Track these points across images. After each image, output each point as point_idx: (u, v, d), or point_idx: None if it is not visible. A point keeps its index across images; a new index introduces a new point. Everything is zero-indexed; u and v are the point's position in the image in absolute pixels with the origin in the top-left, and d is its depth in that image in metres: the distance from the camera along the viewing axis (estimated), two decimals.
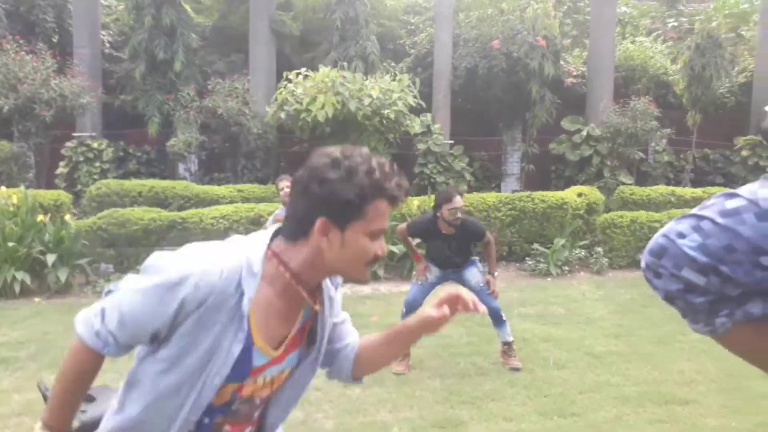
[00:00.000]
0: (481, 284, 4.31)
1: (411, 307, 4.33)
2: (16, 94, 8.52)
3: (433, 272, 4.45)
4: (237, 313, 1.18)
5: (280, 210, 5.35)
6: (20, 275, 6.26)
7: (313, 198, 1.19)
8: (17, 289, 6.22)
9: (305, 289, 1.25)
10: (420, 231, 4.46)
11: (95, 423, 1.36)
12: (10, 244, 6.26)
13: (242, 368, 1.23)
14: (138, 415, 1.25)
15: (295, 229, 1.23)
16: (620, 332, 5.27)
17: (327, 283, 1.36)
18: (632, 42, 13.06)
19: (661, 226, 5.63)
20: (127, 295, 1.21)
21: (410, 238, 4.54)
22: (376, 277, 7.25)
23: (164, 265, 1.19)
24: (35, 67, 8.72)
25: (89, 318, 1.25)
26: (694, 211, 0.93)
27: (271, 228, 1.32)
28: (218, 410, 1.28)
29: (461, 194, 4.37)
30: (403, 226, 4.54)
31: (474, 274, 4.38)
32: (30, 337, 5.00)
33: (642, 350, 4.81)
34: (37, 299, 6.25)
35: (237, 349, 1.19)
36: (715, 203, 0.91)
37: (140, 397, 1.25)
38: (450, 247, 4.31)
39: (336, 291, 1.42)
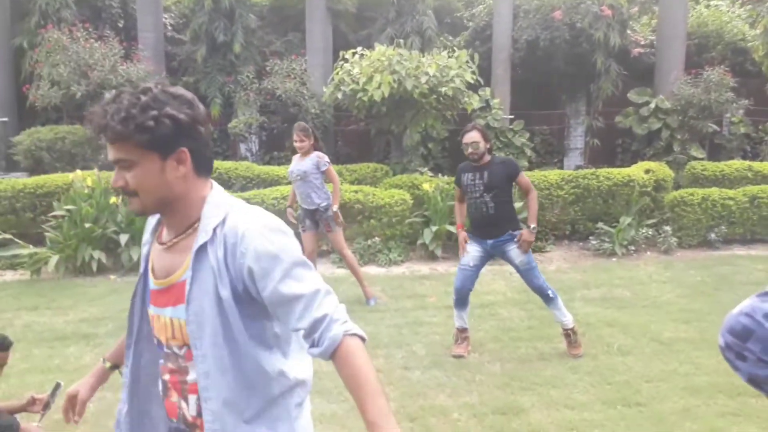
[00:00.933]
0: (526, 264, 4.16)
1: (461, 294, 4.27)
2: (87, 80, 8.90)
3: (473, 250, 4.22)
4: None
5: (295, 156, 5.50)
6: (96, 254, 6.61)
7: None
8: (94, 267, 6.58)
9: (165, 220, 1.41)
10: (459, 172, 4.35)
11: None
12: (87, 225, 6.61)
13: (147, 291, 1.43)
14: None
15: None
16: (690, 317, 5.06)
17: (198, 236, 1.30)
18: (707, 6, 12.24)
19: (736, 204, 5.39)
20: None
21: (462, 204, 4.43)
22: (433, 257, 7.24)
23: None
24: (104, 54, 9.06)
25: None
26: None
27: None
28: (158, 349, 1.42)
29: (478, 129, 4.20)
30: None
31: (516, 253, 4.15)
32: (108, 314, 5.29)
33: (713, 337, 4.55)
34: (112, 277, 6.60)
35: (145, 266, 1.45)
36: None
37: None
38: (482, 178, 4.11)
39: (228, 253, 1.26)
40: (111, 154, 1.29)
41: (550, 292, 4.19)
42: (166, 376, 1.40)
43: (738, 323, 0.88)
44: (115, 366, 1.66)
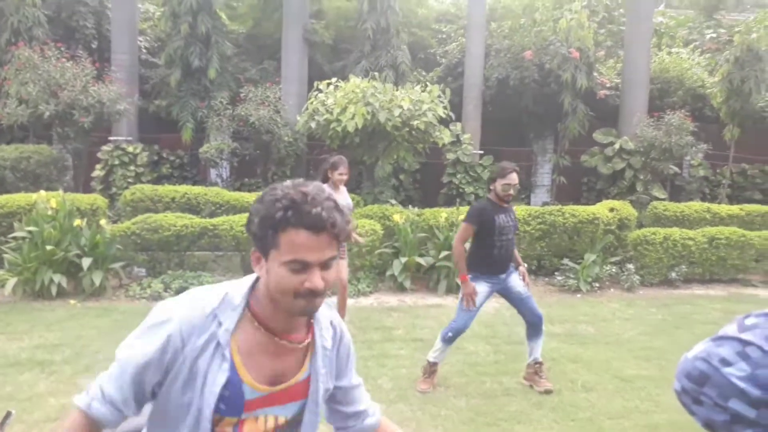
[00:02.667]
0: (527, 292, 4.24)
1: (459, 334, 4.23)
2: (56, 100, 8.78)
3: (481, 291, 4.17)
4: (218, 343, 1.24)
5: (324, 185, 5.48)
6: (57, 278, 6.42)
7: (247, 231, 1.28)
8: (54, 291, 6.38)
9: (275, 326, 1.29)
10: (484, 213, 4.15)
11: None
12: (48, 247, 6.43)
13: (235, 401, 1.27)
14: None
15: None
16: (651, 355, 5.17)
17: (321, 333, 1.39)
18: (668, 53, 12.83)
19: (696, 244, 5.52)
20: (123, 347, 1.28)
21: (464, 247, 4.29)
22: (402, 289, 7.25)
23: (154, 310, 1.28)
24: (75, 74, 8.97)
25: (88, 388, 1.30)
26: (735, 332, 0.88)
27: None
28: None
29: (517, 171, 4.20)
30: (460, 229, 4.27)
31: (518, 281, 4.26)
32: (65, 341, 5.12)
33: (672, 375, 4.65)
34: (72, 301, 6.41)
35: (222, 377, 1.24)
36: (759, 326, 0.86)
37: (151, 428, 1.32)
38: (513, 220, 4.22)
39: (336, 346, 1.43)
40: (326, 253, 1.21)
41: (543, 325, 4.27)
42: None
43: (694, 368, 0.89)
44: None
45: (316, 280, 1.21)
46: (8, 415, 3.11)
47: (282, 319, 1.30)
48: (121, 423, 1.32)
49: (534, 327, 4.27)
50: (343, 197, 5.47)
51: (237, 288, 1.31)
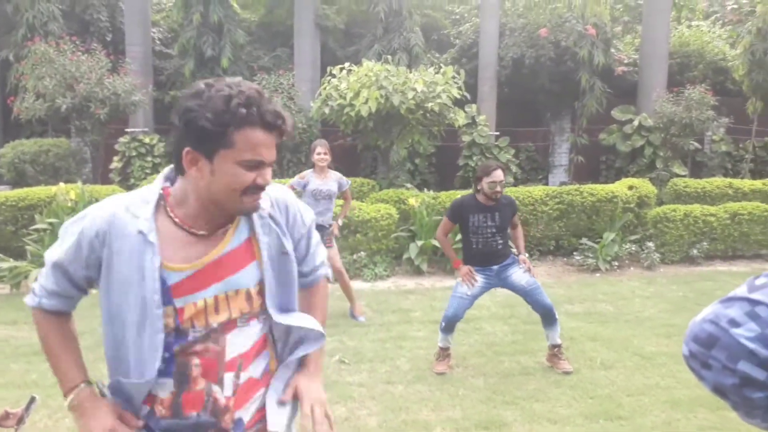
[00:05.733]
0: (533, 282, 4.17)
1: (451, 322, 4.19)
2: (73, 93, 8.87)
3: (478, 281, 4.17)
4: (140, 232, 1.28)
5: (307, 171, 5.42)
6: None
7: (178, 129, 1.24)
8: None
9: (200, 221, 1.32)
10: (461, 209, 4.20)
11: None
12: None
13: (155, 288, 1.29)
14: (108, 348, 1.36)
15: (175, 164, 1.31)
16: (671, 332, 5.10)
17: (262, 212, 1.38)
18: (688, 26, 12.52)
19: (717, 220, 5.39)
20: (50, 248, 1.38)
21: (449, 237, 4.43)
22: (419, 272, 7.24)
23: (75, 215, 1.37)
24: (91, 67, 9.04)
25: (32, 289, 1.41)
26: (744, 293, 0.85)
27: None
28: (173, 341, 1.32)
29: (502, 168, 4.16)
30: (442, 221, 4.39)
31: (520, 275, 4.18)
32: (87, 328, 5.16)
33: None
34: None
35: (157, 261, 1.27)
36: None
37: (104, 330, 1.37)
38: (494, 220, 4.13)
39: (282, 214, 1.43)
40: (273, 154, 1.27)
41: (556, 313, 4.19)
42: (195, 360, 1.32)
43: (702, 331, 0.86)
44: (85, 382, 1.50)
45: (268, 176, 1.27)
46: (32, 400, 3.17)
47: (206, 221, 1.32)
48: (75, 305, 1.42)
49: (546, 317, 4.19)
50: (329, 181, 5.27)
51: (148, 187, 1.35)
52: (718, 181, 8.85)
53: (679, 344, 4.76)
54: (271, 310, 1.40)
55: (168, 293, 1.29)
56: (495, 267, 4.19)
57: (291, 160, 10.36)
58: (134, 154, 10.29)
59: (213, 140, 1.21)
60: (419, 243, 7.26)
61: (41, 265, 6.45)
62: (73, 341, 1.45)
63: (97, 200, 7.34)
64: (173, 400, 1.33)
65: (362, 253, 7.13)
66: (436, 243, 7.23)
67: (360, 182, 8.80)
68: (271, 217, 1.39)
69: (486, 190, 4.09)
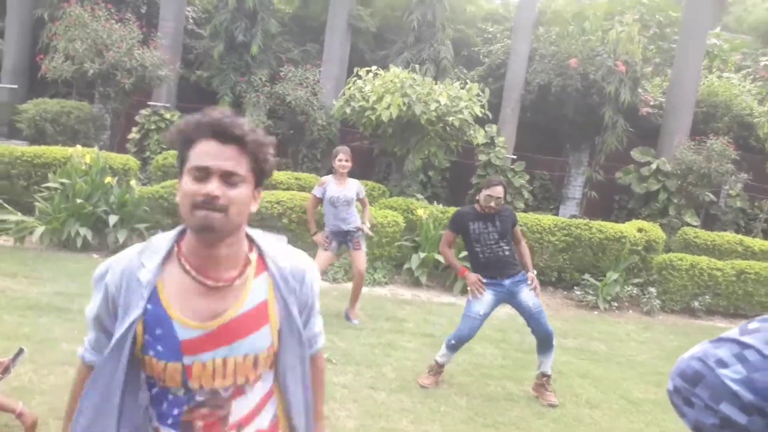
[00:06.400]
0: (539, 306, 4.11)
1: (463, 342, 4.17)
2: (101, 59, 8.94)
3: (487, 297, 4.12)
4: (138, 281, 1.28)
5: (327, 177, 5.45)
6: (83, 231, 6.58)
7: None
8: (79, 243, 6.54)
9: (200, 262, 1.29)
10: (462, 218, 4.23)
11: None
12: (78, 200, 6.59)
13: (170, 341, 1.27)
14: (93, 401, 1.32)
15: None
16: (662, 380, 5.05)
17: (276, 263, 1.38)
18: (719, 77, 12.46)
19: (723, 275, 5.30)
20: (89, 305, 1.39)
21: (452, 250, 4.42)
22: (417, 283, 7.22)
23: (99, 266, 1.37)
24: (122, 36, 9.12)
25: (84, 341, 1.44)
26: (735, 335, 0.84)
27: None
28: (183, 400, 1.31)
29: (504, 186, 4.17)
30: (445, 234, 4.39)
31: (529, 295, 4.12)
32: (84, 291, 5.23)
33: None
34: (96, 256, 6.55)
35: (137, 311, 1.26)
36: (761, 330, 0.82)
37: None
38: (495, 226, 4.13)
39: (298, 283, 1.41)
40: (227, 162, 1.23)
41: (554, 341, 4.16)
42: (198, 423, 1.31)
43: (689, 367, 0.86)
44: None
45: (210, 186, 1.21)
46: (20, 352, 3.18)
47: (205, 253, 1.29)
48: None
49: (543, 342, 4.16)
50: (348, 188, 5.29)
51: (166, 234, 1.35)
52: (729, 236, 8.78)
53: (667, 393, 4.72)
54: (285, 372, 1.40)
55: (178, 349, 1.28)
56: (506, 282, 4.12)
57: (306, 155, 10.38)
58: (153, 127, 10.34)
59: (180, 157, 1.27)
60: (422, 255, 7.25)
61: (48, 222, 6.52)
62: None
63: (111, 167, 7.42)
64: None
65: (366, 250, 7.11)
66: (438, 257, 7.22)
67: (371, 186, 8.81)
68: (286, 280, 1.39)
69: (481, 201, 4.15)
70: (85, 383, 1.36)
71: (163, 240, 1.34)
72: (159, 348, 1.27)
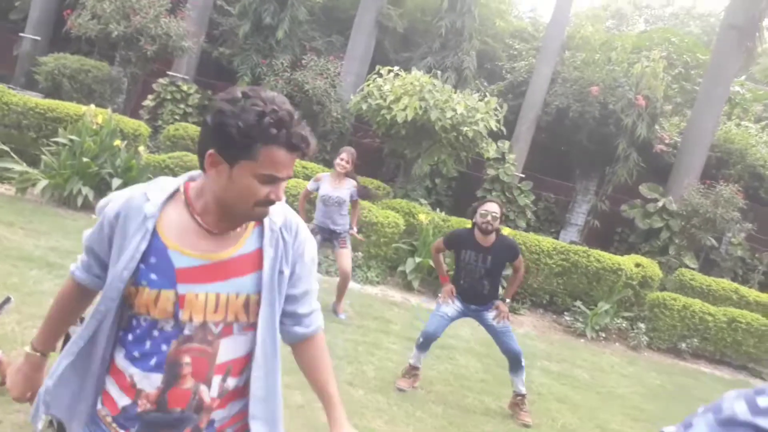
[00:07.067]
0: (504, 326, 4.12)
1: (429, 339, 4.21)
2: (127, 23, 8.96)
3: (456, 304, 4.21)
4: (143, 216, 1.32)
5: (324, 173, 5.46)
6: (85, 190, 6.58)
7: (206, 128, 1.28)
8: (79, 202, 6.54)
9: (211, 219, 1.34)
10: (457, 239, 4.22)
11: None
12: (85, 159, 6.59)
13: (165, 269, 1.31)
14: (91, 322, 1.37)
15: (199, 160, 1.32)
16: (640, 416, 5.04)
17: (270, 217, 1.39)
18: (737, 124, 12.45)
19: (714, 321, 5.21)
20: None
21: (442, 255, 4.42)
22: (409, 287, 7.22)
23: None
24: (150, 2, 9.14)
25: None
26: (746, 416, 0.79)
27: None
28: (171, 335, 1.32)
29: (498, 204, 4.14)
30: (438, 240, 4.43)
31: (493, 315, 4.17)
32: (79, 249, 5.21)
33: None
34: (94, 216, 6.54)
35: (143, 244, 1.30)
36: None
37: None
38: (484, 263, 4.08)
39: (291, 235, 1.43)
40: (288, 171, 1.29)
41: (522, 359, 4.15)
42: (186, 359, 1.31)
43: None
44: (45, 354, 1.54)
45: (281, 193, 1.31)
46: (7, 300, 3.17)
47: (221, 221, 1.34)
48: (102, 286, 1.43)
49: (512, 361, 4.17)
50: (343, 189, 5.24)
51: (171, 178, 1.41)
52: (725, 283, 8.75)
53: (643, 429, 4.71)
54: (261, 323, 1.39)
55: (173, 276, 1.31)
56: (473, 306, 4.21)
57: (317, 145, 10.38)
58: (169, 97, 10.36)
59: (238, 149, 1.24)
60: (417, 260, 7.24)
61: (51, 177, 6.51)
62: (71, 316, 1.56)
63: (122, 131, 7.43)
64: (159, 395, 1.32)
65: (359, 253, 7.11)
66: (433, 264, 7.21)
67: (376, 185, 8.81)
68: (281, 232, 1.41)
69: (477, 219, 4.06)
70: (69, 298, 1.48)
71: (170, 181, 1.39)
72: (152, 276, 1.30)
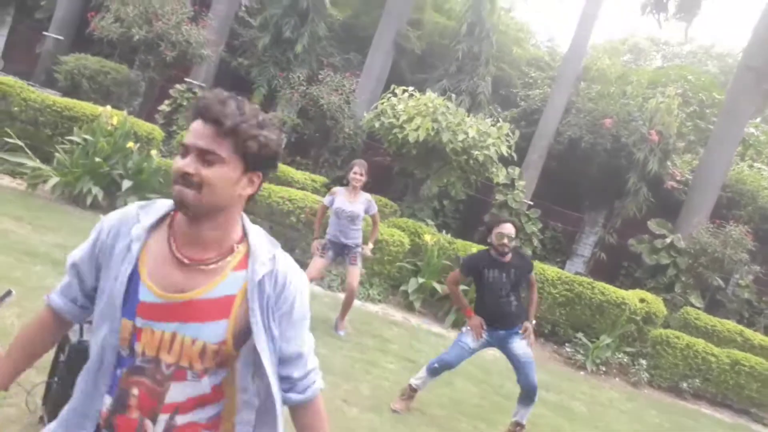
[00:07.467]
0: (529, 356, 4.06)
1: (445, 368, 4.13)
2: (149, 27, 9.11)
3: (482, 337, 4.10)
4: (130, 238, 1.30)
5: (339, 187, 5.41)
6: (95, 190, 6.62)
7: None
8: (89, 201, 6.58)
9: (181, 238, 1.30)
10: (477, 262, 4.15)
11: None
12: (97, 159, 6.65)
13: (131, 300, 1.27)
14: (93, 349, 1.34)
15: None
16: None
17: (254, 267, 1.30)
18: (750, 166, 12.40)
19: (717, 362, 5.16)
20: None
21: (459, 288, 4.35)
22: (411, 308, 7.17)
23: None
24: (173, 9, 9.29)
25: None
26: None
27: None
28: (125, 362, 1.29)
29: (514, 224, 4.10)
30: (453, 272, 4.34)
31: (521, 345, 4.07)
32: None
33: None
34: (102, 216, 6.58)
35: (128, 267, 1.27)
36: None
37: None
38: (509, 277, 4.05)
39: (276, 290, 1.32)
40: (201, 141, 1.23)
41: (536, 395, 4.10)
42: (134, 390, 1.28)
43: None
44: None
45: (182, 161, 1.24)
46: (8, 293, 3.17)
47: (188, 230, 1.30)
48: (82, 317, 1.42)
49: (527, 394, 4.10)
50: (357, 203, 5.21)
51: (170, 201, 1.35)
52: (730, 325, 8.63)
53: None
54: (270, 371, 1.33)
55: (134, 308, 1.27)
56: (502, 331, 4.09)
57: (327, 159, 10.44)
58: (185, 103, 10.45)
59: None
60: (420, 280, 7.21)
61: (63, 174, 6.57)
62: (39, 349, 1.46)
63: (136, 133, 7.49)
64: (108, 417, 1.30)
65: (362, 269, 7.08)
66: (436, 286, 7.18)
67: (384, 202, 8.81)
68: (260, 283, 1.31)
69: (493, 240, 4.04)
70: (37, 328, 1.42)
71: (164, 205, 1.36)
72: None
